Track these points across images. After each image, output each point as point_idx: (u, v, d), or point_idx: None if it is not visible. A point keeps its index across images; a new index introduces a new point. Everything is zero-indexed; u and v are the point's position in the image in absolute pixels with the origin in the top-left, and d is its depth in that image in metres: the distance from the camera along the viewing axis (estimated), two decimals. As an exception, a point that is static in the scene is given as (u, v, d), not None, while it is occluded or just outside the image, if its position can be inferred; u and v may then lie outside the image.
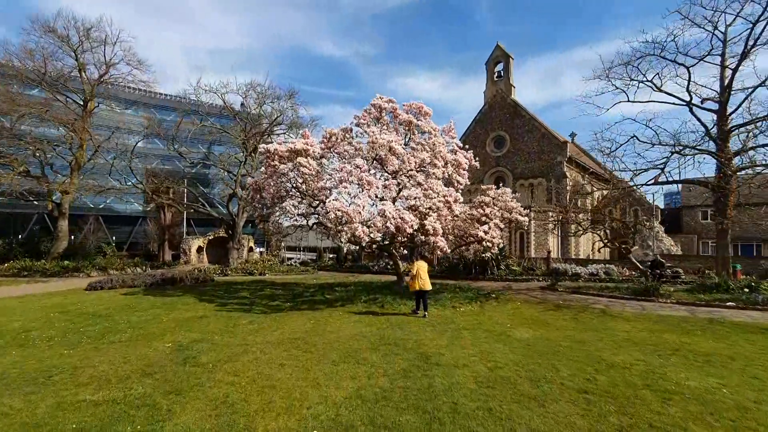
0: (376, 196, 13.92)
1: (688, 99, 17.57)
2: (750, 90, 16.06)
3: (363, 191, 13.30)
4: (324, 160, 15.52)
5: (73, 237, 36.39)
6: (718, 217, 16.43)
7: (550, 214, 31.17)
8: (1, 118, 27.32)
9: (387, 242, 16.16)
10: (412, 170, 14.60)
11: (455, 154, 16.29)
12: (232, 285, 19.70)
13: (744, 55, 16.02)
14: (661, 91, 18.26)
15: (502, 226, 15.71)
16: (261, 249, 43.57)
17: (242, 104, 33.25)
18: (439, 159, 15.14)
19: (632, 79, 18.41)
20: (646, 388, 5.69)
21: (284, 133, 32.66)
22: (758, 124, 15.28)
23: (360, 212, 12.25)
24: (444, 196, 14.01)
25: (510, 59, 39.21)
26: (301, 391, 5.66)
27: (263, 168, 15.82)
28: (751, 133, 16.03)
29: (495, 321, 10.73)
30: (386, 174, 14.90)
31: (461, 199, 15.00)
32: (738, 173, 16.33)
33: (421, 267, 11.92)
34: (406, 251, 15.62)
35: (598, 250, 34.12)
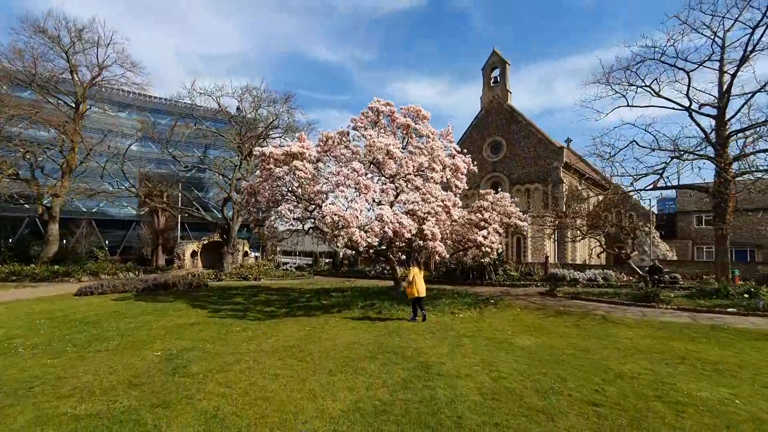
0: (374, 201, 13.69)
1: (687, 104, 17.52)
2: (749, 95, 16.01)
3: (360, 195, 13.08)
4: (320, 164, 15.29)
5: (64, 241, 35.85)
6: (717, 222, 16.31)
7: (547, 219, 31.11)
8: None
9: (384, 247, 15.91)
10: (410, 174, 14.38)
11: (453, 158, 16.10)
12: (227, 290, 19.33)
13: (743, 61, 15.97)
14: (659, 96, 18.19)
15: (501, 231, 15.53)
16: (256, 254, 43.18)
17: (238, 108, 32.99)
18: (437, 163, 14.93)
19: (631, 84, 18.34)
20: (657, 400, 5.45)
21: (280, 137, 32.38)
22: (758, 129, 15.20)
23: (357, 216, 12.02)
24: (443, 201, 13.81)
25: (506, 65, 39.22)
26: (296, 403, 5.36)
27: (258, 171, 15.57)
28: (749, 139, 15.97)
29: (495, 328, 10.48)
30: (384, 178, 14.68)
31: (460, 204, 14.81)
32: (737, 178, 16.25)
33: (417, 273, 11.75)
34: (404, 256, 15.36)
35: (597, 256, 34.04)
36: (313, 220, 14.84)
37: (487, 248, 14.65)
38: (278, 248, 44.31)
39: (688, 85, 17.26)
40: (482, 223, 15.44)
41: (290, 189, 14.66)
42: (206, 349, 8.23)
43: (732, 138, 16.51)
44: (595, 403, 5.29)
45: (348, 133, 15.89)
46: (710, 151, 16.60)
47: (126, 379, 6.45)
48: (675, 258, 35.55)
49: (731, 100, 16.74)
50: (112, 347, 8.51)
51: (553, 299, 16.22)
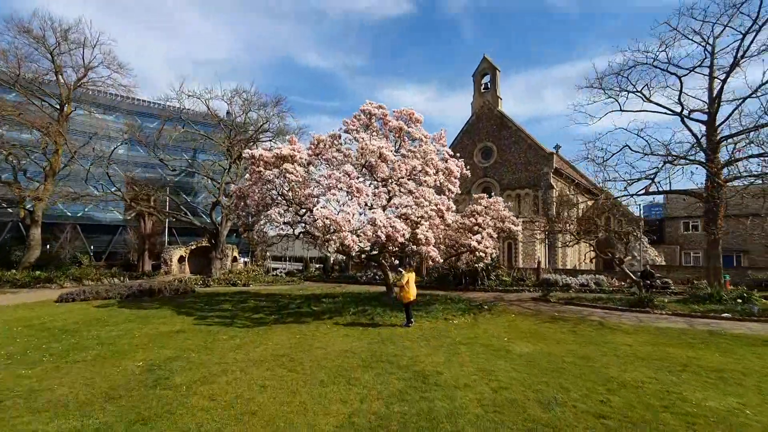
0: (366, 204, 13.40)
1: (679, 109, 17.56)
2: (739, 101, 16.08)
3: (352, 199, 12.78)
4: (311, 167, 14.97)
5: (48, 246, 34.90)
6: (710, 227, 16.30)
7: (537, 224, 31.04)
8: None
9: (376, 252, 15.61)
10: (402, 178, 14.13)
11: (446, 162, 15.91)
12: (214, 296, 18.82)
13: (733, 66, 16.06)
14: (650, 101, 18.24)
15: (495, 235, 15.32)
16: (246, 259, 42.48)
17: (228, 112, 32.48)
18: (430, 166, 14.71)
19: (622, 89, 18.37)
20: (665, 411, 5.21)
21: (270, 140, 31.95)
22: (749, 134, 15.24)
23: (349, 220, 11.71)
24: (436, 205, 13.55)
25: (497, 71, 39.40)
26: (286, 418, 5.03)
27: (248, 174, 15.20)
28: (738, 144, 16.01)
29: (491, 334, 10.22)
30: (376, 182, 14.40)
31: (454, 208, 14.58)
32: (727, 183, 16.28)
33: (411, 277, 11.66)
34: (397, 261, 15.10)
35: (590, 260, 34.08)
36: (303, 225, 14.48)
37: (481, 253, 14.41)
38: (268, 253, 43.66)
39: (680, 91, 17.32)
40: (476, 228, 15.22)
41: (280, 192, 14.31)
42: (191, 359, 7.83)
43: (722, 143, 16.56)
44: (602, 416, 5.03)
45: (340, 136, 15.63)
46: (702, 156, 16.62)
47: (103, 392, 6.05)
48: (663, 263, 35.77)
49: (722, 106, 16.81)
50: (91, 357, 8.06)
51: (547, 305, 16.04)
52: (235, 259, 35.71)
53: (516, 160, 37.37)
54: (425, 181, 14.36)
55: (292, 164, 13.46)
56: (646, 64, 17.58)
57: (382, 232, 11.71)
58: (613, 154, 17.59)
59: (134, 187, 33.30)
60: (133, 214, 34.82)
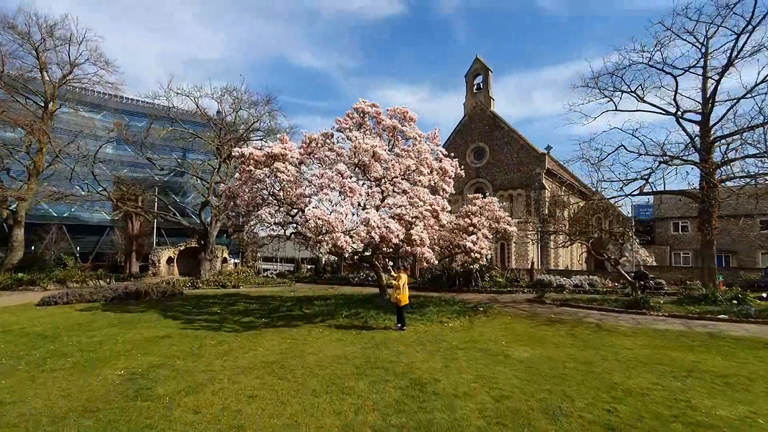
0: (359, 204, 13.09)
1: (674, 109, 17.49)
2: (733, 102, 16.05)
3: (345, 199, 12.45)
4: (303, 166, 14.61)
5: (33, 247, 34.08)
6: (705, 227, 16.23)
7: (530, 224, 30.99)
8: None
9: (370, 253, 15.30)
10: (396, 177, 13.84)
11: (441, 161, 15.66)
12: (203, 299, 18.35)
13: (727, 67, 16.02)
14: (644, 101, 18.17)
15: (490, 236, 15.09)
16: (236, 260, 41.90)
17: (218, 111, 31.91)
18: (425, 166, 14.44)
19: (616, 89, 18.28)
20: (675, 421, 4.96)
21: (261, 140, 31.45)
22: (744, 134, 15.20)
23: (342, 221, 11.37)
24: (431, 205, 13.28)
25: (489, 72, 39.28)
26: (275, 432, 4.70)
27: (237, 173, 14.79)
28: (731, 144, 15.97)
29: (488, 338, 9.95)
30: (369, 181, 14.09)
31: (449, 208, 14.33)
32: (721, 184, 16.23)
33: (405, 279, 11.45)
34: (392, 263, 14.80)
35: (586, 261, 34.15)
36: (295, 225, 14.12)
37: (476, 254, 14.16)
38: (259, 254, 43.12)
39: (675, 91, 17.26)
40: (471, 228, 14.97)
41: (271, 192, 13.93)
42: (176, 367, 7.45)
43: (716, 144, 16.52)
44: (611, 427, 4.76)
45: (332, 135, 15.30)
46: (696, 156, 16.56)
47: (80, 404, 5.66)
48: (654, 263, 35.92)
49: (717, 107, 16.76)
50: (69, 365, 7.64)
51: (543, 306, 15.85)
52: (225, 260, 35.15)
53: (508, 160, 37.30)
54: (419, 181, 14.09)
55: (284, 163, 13.10)
56: (642, 63, 17.52)
57: (375, 232, 11.41)
58: (609, 154, 17.52)
59: (121, 186, 32.61)
60: (120, 215, 34.10)
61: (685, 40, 17.17)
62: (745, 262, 34.81)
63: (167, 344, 9.32)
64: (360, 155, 13.57)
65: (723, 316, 12.93)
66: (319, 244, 11.56)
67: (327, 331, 10.81)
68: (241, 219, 16.95)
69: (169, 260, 33.41)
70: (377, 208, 13.10)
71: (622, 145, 17.28)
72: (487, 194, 29.73)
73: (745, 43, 15.75)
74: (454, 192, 16.65)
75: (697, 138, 17.08)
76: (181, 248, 34.22)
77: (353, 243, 11.57)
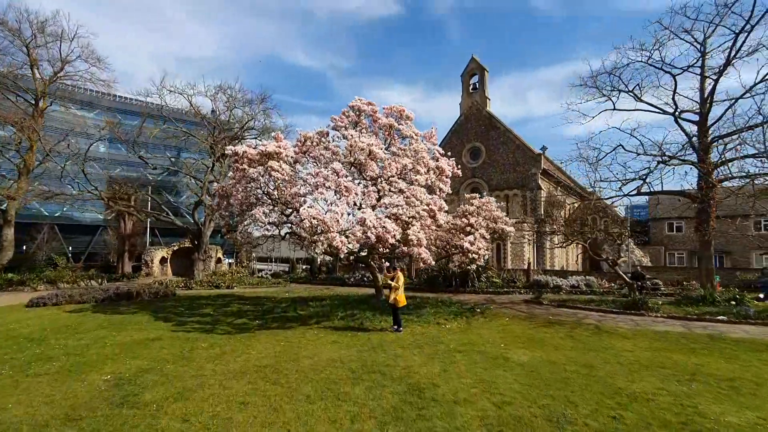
0: (355, 204, 12.86)
1: (672, 109, 17.38)
2: (732, 101, 15.94)
3: (341, 198, 12.23)
4: (298, 165, 14.37)
5: (24, 247, 33.53)
6: (703, 227, 16.13)
7: (527, 224, 30.85)
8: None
9: (366, 253, 15.07)
10: (393, 176, 13.63)
11: (437, 161, 15.47)
12: (196, 300, 18.04)
13: (726, 66, 15.91)
14: (642, 101, 18.05)
15: (487, 236, 14.92)
16: (230, 260, 41.50)
17: (213, 110, 31.51)
18: (421, 165, 14.25)
19: (614, 88, 18.14)
20: (684, 429, 4.78)
21: (255, 138, 31.16)
22: (742, 134, 15.10)
23: (338, 221, 11.15)
24: (428, 204, 13.08)
25: (485, 72, 39.18)
26: (268, 442, 4.47)
27: (231, 172, 14.53)
28: (728, 144, 15.87)
29: (486, 340, 9.76)
30: (365, 180, 13.87)
31: (446, 208, 14.14)
32: (720, 184, 16.14)
33: (402, 279, 11.24)
34: (388, 263, 14.58)
35: (583, 261, 34.07)
36: (290, 225, 13.89)
37: (474, 254, 13.98)
38: (253, 254, 42.70)
39: (674, 90, 17.14)
40: (468, 228, 14.80)
41: (265, 191, 13.68)
42: (165, 371, 7.19)
43: (714, 144, 16.42)
44: (618, 435, 4.58)
45: (328, 133, 15.08)
46: (694, 156, 16.46)
47: (63, 412, 5.41)
48: (649, 264, 35.95)
49: (715, 106, 16.67)
50: (55, 370, 7.36)
51: (540, 307, 15.70)
52: (219, 261, 34.80)
53: (504, 160, 37.20)
54: (416, 180, 13.89)
55: (278, 162, 12.85)
56: (641, 62, 17.38)
57: (372, 232, 11.19)
58: (607, 154, 17.37)
59: (114, 185, 32.14)
60: (113, 214, 33.63)
61: (683, 39, 17.06)
62: (740, 263, 34.90)
63: (157, 347, 9.05)
64: (356, 154, 13.36)
65: (722, 317, 12.83)
66: (314, 245, 11.32)
67: (322, 333, 10.58)
68: (235, 219, 16.68)
69: (163, 260, 33.00)
70: (373, 207, 12.88)
71: (621, 145, 17.17)
72: (484, 194, 29.56)
73: (744, 42, 15.65)
74: (450, 192, 16.46)
75: (695, 138, 16.99)
76: (175, 248, 33.81)
77: (349, 243, 11.35)
